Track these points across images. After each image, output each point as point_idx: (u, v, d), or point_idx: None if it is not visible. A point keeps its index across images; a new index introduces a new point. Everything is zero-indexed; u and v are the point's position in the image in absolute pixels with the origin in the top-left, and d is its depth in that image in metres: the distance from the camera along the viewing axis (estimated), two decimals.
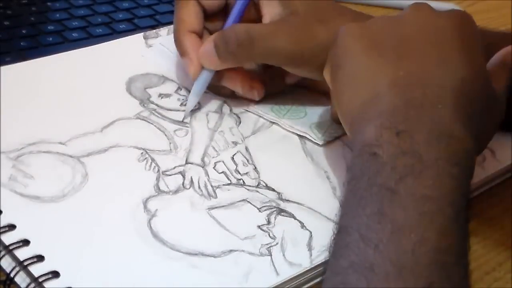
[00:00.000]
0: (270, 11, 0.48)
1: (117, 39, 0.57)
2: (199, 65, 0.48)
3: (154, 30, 0.58)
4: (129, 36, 0.58)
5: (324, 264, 0.40)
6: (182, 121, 0.48)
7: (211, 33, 0.50)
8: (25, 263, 0.36)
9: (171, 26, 0.58)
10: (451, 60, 0.39)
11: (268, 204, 0.43)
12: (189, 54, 0.49)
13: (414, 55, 0.39)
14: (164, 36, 0.57)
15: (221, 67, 0.48)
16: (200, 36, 0.50)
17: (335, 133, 0.49)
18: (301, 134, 0.49)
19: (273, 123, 0.50)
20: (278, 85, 0.51)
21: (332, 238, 0.35)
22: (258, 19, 0.49)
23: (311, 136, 0.48)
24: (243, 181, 0.44)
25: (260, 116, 0.50)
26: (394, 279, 0.31)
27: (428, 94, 0.37)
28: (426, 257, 0.31)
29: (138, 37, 0.57)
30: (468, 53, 0.39)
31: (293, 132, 0.49)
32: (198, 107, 0.50)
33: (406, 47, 0.39)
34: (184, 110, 0.49)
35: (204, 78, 0.49)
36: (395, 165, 0.34)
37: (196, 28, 0.49)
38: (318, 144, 0.48)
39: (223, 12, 0.51)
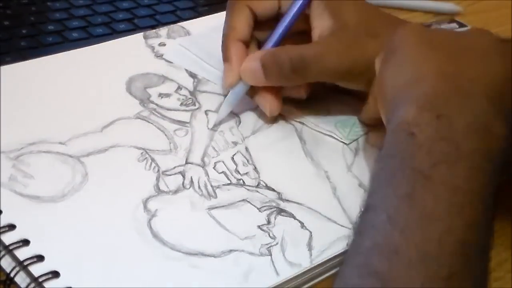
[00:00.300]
0: (321, 24, 0.48)
1: (117, 39, 0.57)
2: (238, 76, 0.48)
3: (154, 30, 0.58)
4: (129, 36, 0.58)
5: (324, 264, 0.40)
6: (212, 128, 0.48)
7: (258, 41, 0.50)
8: (25, 263, 0.36)
9: (171, 26, 0.59)
10: (498, 71, 0.39)
11: (268, 204, 0.43)
12: (232, 63, 0.48)
13: (466, 58, 0.39)
14: (164, 36, 0.57)
15: (265, 84, 0.48)
16: (247, 44, 0.50)
17: (360, 131, 0.49)
18: (327, 133, 0.49)
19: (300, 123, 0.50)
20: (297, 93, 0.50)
21: (359, 215, 0.35)
22: (306, 29, 0.49)
23: (336, 135, 0.49)
24: (243, 181, 0.44)
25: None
26: (417, 265, 0.31)
27: (474, 87, 0.37)
28: (451, 247, 0.32)
29: (138, 37, 0.57)
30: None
31: (318, 131, 0.49)
32: (198, 107, 0.50)
33: (460, 51, 0.40)
34: (184, 110, 0.49)
35: (241, 90, 0.49)
36: (431, 149, 0.34)
37: (246, 37, 0.49)
38: (344, 143, 0.48)
39: (274, 20, 0.50)
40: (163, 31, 0.58)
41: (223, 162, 0.46)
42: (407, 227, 0.32)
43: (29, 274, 0.36)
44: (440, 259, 0.31)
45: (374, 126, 0.48)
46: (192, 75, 0.53)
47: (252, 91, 0.49)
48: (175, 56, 0.54)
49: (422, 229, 0.32)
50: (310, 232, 0.41)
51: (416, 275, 0.31)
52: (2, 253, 0.37)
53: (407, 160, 0.34)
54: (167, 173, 0.44)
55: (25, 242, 0.37)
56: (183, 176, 0.44)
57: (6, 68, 0.50)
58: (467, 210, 0.33)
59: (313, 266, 0.39)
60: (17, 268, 0.36)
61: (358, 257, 0.33)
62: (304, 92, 0.50)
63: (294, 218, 0.42)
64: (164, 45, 0.56)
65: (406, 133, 0.35)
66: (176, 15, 0.65)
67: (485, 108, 0.36)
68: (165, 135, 0.47)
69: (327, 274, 0.40)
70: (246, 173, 0.45)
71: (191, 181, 0.44)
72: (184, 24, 0.59)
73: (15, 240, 0.37)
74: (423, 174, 0.34)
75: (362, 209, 0.35)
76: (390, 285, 0.31)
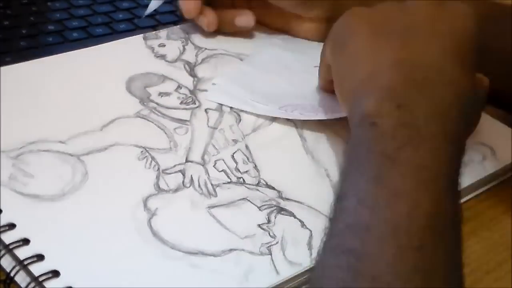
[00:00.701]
0: None
1: (117, 40, 0.57)
2: None
3: (154, 32, 0.58)
4: (129, 37, 0.58)
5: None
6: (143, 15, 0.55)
7: None
8: (25, 262, 0.36)
9: (171, 28, 0.59)
10: (451, 48, 0.40)
11: (268, 203, 0.43)
12: None
13: (417, 41, 0.40)
14: (164, 38, 0.57)
15: None
16: None
17: None
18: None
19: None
20: (229, 25, 0.56)
21: (332, 204, 0.36)
22: None
23: None
24: (243, 179, 0.44)
25: None
26: (388, 239, 0.32)
27: (429, 77, 0.38)
28: (420, 220, 0.33)
29: (138, 38, 0.57)
30: (465, 43, 0.41)
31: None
32: (198, 105, 0.50)
33: (410, 34, 0.41)
34: (184, 108, 0.49)
35: None
36: (394, 135, 0.36)
37: None
38: None
39: None
40: (162, 32, 0.58)
41: (223, 160, 0.46)
42: (376, 205, 0.33)
43: (29, 273, 0.36)
44: (410, 231, 0.32)
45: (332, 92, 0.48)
46: (192, 75, 0.53)
47: None
48: (217, 95, 0.52)
49: (391, 206, 0.33)
50: (310, 231, 0.41)
51: (388, 247, 0.32)
52: (2, 252, 0.37)
53: (372, 146, 0.36)
54: (167, 171, 0.44)
55: (25, 241, 0.37)
56: (183, 175, 0.44)
57: (6, 68, 0.50)
58: (433, 186, 0.34)
59: (313, 265, 0.39)
60: (17, 268, 0.36)
61: (332, 240, 0.34)
62: (251, 20, 0.55)
63: (294, 217, 0.42)
64: (164, 46, 0.56)
65: (369, 124, 0.37)
66: (176, 15, 0.65)
67: (441, 95, 0.38)
68: (165, 133, 0.47)
69: None
70: (246, 172, 0.45)
71: (191, 180, 0.44)
72: (183, 26, 0.59)
73: (15, 239, 0.37)
74: (388, 157, 0.35)
75: (334, 199, 0.36)
76: (363, 259, 0.32)
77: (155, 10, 0.65)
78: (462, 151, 0.38)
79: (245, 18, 0.56)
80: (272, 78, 0.54)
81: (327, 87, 0.49)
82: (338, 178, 0.37)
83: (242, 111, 0.50)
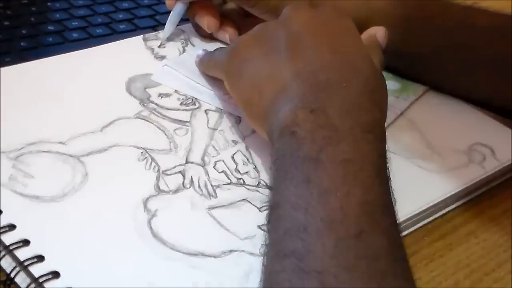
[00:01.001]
0: None
1: (117, 41, 0.57)
2: None
3: (154, 33, 0.58)
4: (129, 38, 0.58)
5: None
6: (161, 41, 0.56)
7: None
8: (25, 263, 0.36)
9: None
10: (340, 47, 0.42)
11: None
12: None
13: (307, 48, 0.41)
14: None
15: None
16: None
17: None
18: None
19: None
20: None
21: (266, 216, 0.37)
22: None
23: None
24: (243, 180, 0.44)
25: None
26: (326, 233, 0.33)
27: (331, 77, 0.39)
28: (354, 210, 0.34)
29: (137, 39, 0.57)
30: (349, 39, 0.43)
31: None
32: (198, 106, 0.50)
33: (298, 43, 0.42)
34: (184, 109, 0.49)
35: (179, 9, 0.56)
36: (314, 138, 0.36)
37: None
38: None
39: None
40: (162, 33, 0.58)
41: (223, 161, 0.46)
42: (309, 206, 0.34)
43: (29, 274, 0.36)
44: (346, 222, 0.33)
45: None
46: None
47: (192, 11, 0.56)
48: (163, 77, 0.53)
49: (323, 203, 0.34)
50: None
51: (327, 241, 0.33)
52: (2, 253, 0.37)
53: (296, 153, 0.37)
54: (167, 172, 0.44)
55: (25, 242, 0.37)
56: (183, 176, 0.44)
57: (6, 69, 0.50)
58: (360, 175, 0.35)
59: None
60: (17, 268, 0.36)
61: (273, 247, 0.34)
62: (228, 37, 0.55)
63: None
64: (164, 47, 0.56)
65: (288, 134, 0.37)
66: None
67: (348, 91, 0.39)
68: (165, 134, 0.47)
69: None
70: (247, 172, 0.45)
71: (191, 181, 0.44)
72: (183, 27, 0.59)
73: (15, 240, 0.37)
74: (312, 159, 0.36)
75: (268, 211, 0.36)
76: (306, 257, 0.32)
77: (155, 11, 0.65)
78: (382, 137, 0.38)
79: None
80: None
81: None
82: (269, 191, 0.38)
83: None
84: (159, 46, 0.56)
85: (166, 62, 0.54)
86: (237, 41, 0.46)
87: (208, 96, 0.51)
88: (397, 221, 0.36)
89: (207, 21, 0.55)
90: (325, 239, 0.33)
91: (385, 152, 0.38)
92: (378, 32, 0.49)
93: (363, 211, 0.34)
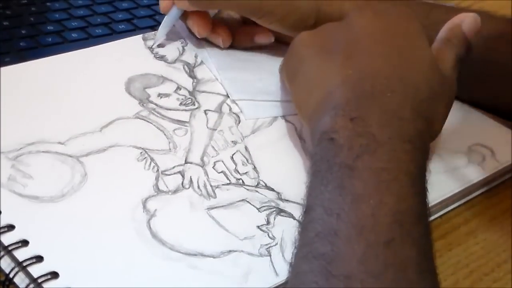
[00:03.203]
0: None
1: (116, 41, 0.57)
2: (171, 2, 0.54)
3: (153, 32, 0.58)
4: (128, 38, 0.57)
5: None
6: (151, 46, 0.55)
7: None
8: (24, 264, 0.36)
9: (171, 28, 0.58)
10: (395, 53, 0.42)
11: (267, 204, 0.43)
12: None
13: (361, 54, 0.42)
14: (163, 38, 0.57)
15: (189, 8, 0.54)
16: None
17: None
18: None
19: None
20: (246, 40, 0.56)
21: (300, 218, 0.37)
22: None
23: None
24: (242, 180, 0.44)
25: None
26: (356, 239, 0.33)
27: (377, 85, 0.40)
28: (385, 218, 0.34)
29: (137, 39, 0.57)
30: (411, 44, 0.43)
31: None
32: (197, 107, 0.50)
33: (353, 48, 0.42)
34: (183, 109, 0.49)
35: (174, 14, 0.55)
36: (351, 145, 0.37)
37: None
38: None
39: None
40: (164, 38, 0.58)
41: (222, 161, 0.46)
42: (342, 211, 0.35)
43: (28, 274, 0.36)
44: (376, 229, 0.34)
45: None
46: (192, 76, 0.53)
47: (185, 16, 0.55)
48: (254, 112, 0.51)
49: (355, 209, 0.34)
50: None
51: (357, 247, 0.33)
52: (1, 253, 0.37)
53: (332, 160, 0.37)
54: (167, 172, 0.44)
55: (24, 243, 0.37)
56: (183, 176, 0.44)
57: (5, 69, 0.50)
58: (394, 185, 0.35)
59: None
60: (16, 269, 0.36)
61: (303, 249, 0.35)
62: (271, 35, 0.55)
63: (294, 218, 0.42)
64: (163, 46, 0.56)
65: (327, 140, 0.38)
66: None
67: (391, 100, 0.39)
68: (165, 134, 0.47)
69: None
70: (246, 173, 0.45)
71: (191, 181, 0.44)
72: (183, 27, 0.59)
73: (14, 241, 0.37)
74: (348, 166, 0.36)
75: (302, 212, 0.37)
76: (335, 261, 0.33)
77: (154, 11, 0.65)
78: (424, 148, 0.39)
79: (264, 36, 0.55)
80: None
81: None
82: (304, 194, 0.38)
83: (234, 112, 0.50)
84: (158, 46, 0.56)
85: (239, 97, 0.52)
86: (297, 39, 0.46)
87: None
88: (429, 232, 0.36)
89: (197, 27, 0.55)
90: (355, 244, 0.33)
91: (425, 163, 0.38)
92: (465, 20, 0.45)
93: (395, 220, 0.34)
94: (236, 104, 0.51)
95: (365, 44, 0.42)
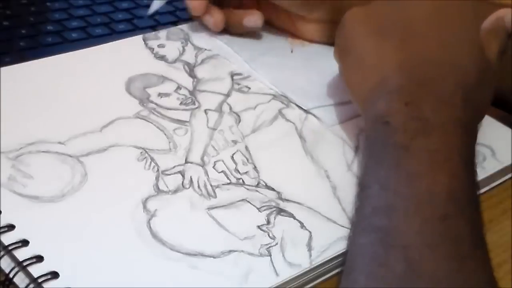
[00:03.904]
0: None
1: (116, 41, 0.57)
2: None
3: (153, 32, 0.58)
4: (129, 38, 0.58)
5: (324, 264, 0.40)
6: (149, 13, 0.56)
7: None
8: (24, 264, 0.36)
9: (171, 28, 0.59)
10: (449, 37, 0.43)
11: (267, 204, 0.43)
12: None
13: (416, 37, 0.43)
14: (163, 38, 0.57)
15: None
16: None
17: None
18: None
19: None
20: (237, 26, 0.56)
21: (355, 195, 0.39)
22: None
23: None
24: (242, 180, 0.44)
25: None
26: (412, 213, 0.35)
27: (430, 73, 0.41)
28: (440, 194, 0.36)
29: (137, 39, 0.57)
30: (463, 28, 0.44)
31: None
32: (197, 106, 0.50)
33: (408, 30, 0.43)
34: (183, 109, 0.49)
35: None
36: (406, 128, 0.38)
37: None
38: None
39: None
40: (162, 33, 0.58)
41: (222, 161, 0.46)
42: (398, 187, 0.36)
43: (28, 274, 0.36)
44: (433, 204, 0.35)
45: None
46: (192, 75, 0.53)
47: None
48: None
49: (411, 186, 0.36)
50: (310, 232, 0.41)
51: (414, 221, 0.35)
52: (1, 253, 0.37)
53: (387, 140, 0.39)
54: (167, 172, 0.44)
55: (25, 243, 0.37)
56: (183, 176, 0.44)
57: (5, 69, 0.50)
58: (448, 164, 0.37)
59: (313, 266, 0.39)
60: (16, 269, 0.36)
61: (361, 222, 0.37)
62: (259, 20, 0.55)
63: (294, 218, 0.42)
64: (164, 46, 0.56)
65: (381, 123, 0.39)
66: (176, 16, 0.65)
67: (444, 88, 0.40)
68: (165, 134, 0.47)
69: (327, 275, 0.40)
70: (246, 173, 0.45)
71: (191, 181, 0.43)
72: (183, 26, 0.59)
73: (15, 241, 0.37)
74: (403, 146, 0.38)
75: (358, 190, 0.39)
76: (393, 233, 0.34)
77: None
78: (473, 133, 0.40)
79: (253, 19, 0.56)
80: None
81: None
82: (359, 173, 0.40)
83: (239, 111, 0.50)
84: (158, 46, 0.56)
85: (314, 105, 0.52)
86: (350, 14, 0.46)
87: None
88: (480, 212, 0.37)
89: (192, 5, 0.55)
90: (412, 218, 0.35)
91: (474, 148, 0.40)
92: (506, 15, 0.47)
93: (449, 197, 0.35)
94: (312, 113, 0.51)
95: (419, 27, 0.43)
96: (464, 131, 0.39)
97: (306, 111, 0.51)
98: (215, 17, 0.56)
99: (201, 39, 0.57)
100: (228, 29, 0.57)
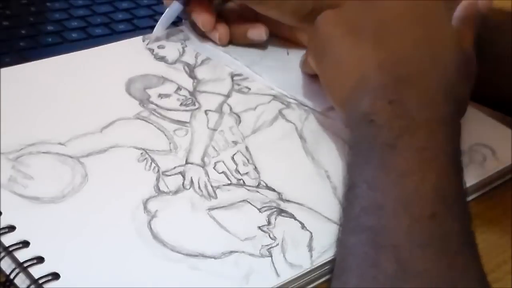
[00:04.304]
0: None
1: (116, 42, 0.57)
2: None
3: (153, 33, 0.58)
4: (129, 39, 0.58)
5: (325, 265, 0.40)
6: (146, 43, 0.56)
7: None
8: (25, 265, 0.36)
9: (171, 29, 0.59)
10: (424, 35, 0.43)
11: (268, 205, 0.43)
12: None
13: (393, 36, 0.43)
14: (163, 39, 0.57)
15: None
16: None
17: None
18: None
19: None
20: (241, 38, 0.57)
21: (343, 195, 0.39)
22: None
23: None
24: (243, 181, 0.44)
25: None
26: (401, 212, 0.35)
27: (411, 70, 0.41)
28: (428, 193, 0.36)
29: (137, 39, 0.57)
30: (437, 25, 0.44)
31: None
32: (198, 107, 0.50)
33: (383, 29, 0.43)
34: (183, 110, 0.49)
35: (174, 8, 0.56)
36: (391, 126, 0.38)
37: None
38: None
39: None
40: (162, 34, 0.58)
41: (223, 162, 0.46)
42: (386, 187, 0.36)
43: (29, 275, 0.36)
44: (421, 203, 0.35)
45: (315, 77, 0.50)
46: (192, 76, 0.53)
47: (190, 9, 0.56)
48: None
49: (399, 185, 0.36)
50: (311, 233, 0.41)
51: (403, 220, 0.35)
52: (2, 254, 0.37)
53: (373, 140, 0.38)
54: (167, 173, 0.44)
55: (25, 244, 0.37)
56: (183, 177, 0.44)
57: (5, 70, 0.50)
58: (435, 163, 0.37)
59: (313, 267, 0.39)
60: (17, 270, 0.36)
61: (349, 223, 0.37)
62: (263, 31, 0.56)
63: (295, 219, 0.42)
64: (164, 47, 0.56)
65: (366, 122, 0.39)
66: (176, 16, 0.65)
67: (426, 85, 0.40)
68: (165, 135, 0.47)
69: (328, 276, 0.40)
70: (247, 173, 0.45)
71: (191, 182, 0.43)
72: (183, 27, 0.59)
73: (15, 242, 0.37)
74: (389, 145, 0.38)
75: (345, 189, 0.38)
76: (382, 233, 0.35)
77: (154, 11, 0.65)
78: (457, 129, 0.40)
79: (257, 32, 0.56)
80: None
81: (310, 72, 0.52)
82: (345, 172, 0.40)
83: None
84: (158, 47, 0.56)
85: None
86: (322, 17, 0.46)
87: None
88: (468, 210, 0.37)
89: (202, 20, 0.55)
90: (401, 217, 0.35)
91: (459, 145, 0.39)
92: None
93: (437, 195, 0.36)
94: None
95: (394, 26, 0.43)
96: (448, 127, 0.39)
97: (307, 111, 0.51)
98: (220, 32, 0.56)
99: (201, 47, 0.57)
100: (232, 42, 0.57)
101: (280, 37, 0.58)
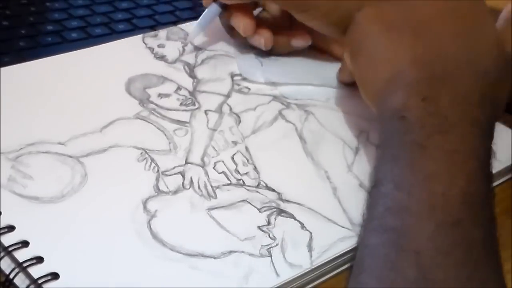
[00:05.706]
0: None
1: (116, 41, 0.57)
2: None
3: (153, 32, 0.58)
4: (128, 38, 0.57)
5: (325, 265, 0.40)
6: (184, 42, 0.56)
7: None
8: (25, 265, 0.36)
9: (170, 28, 0.59)
10: (464, 35, 0.42)
11: (268, 205, 0.43)
12: None
13: (430, 33, 0.42)
14: (163, 38, 0.57)
15: (234, 1, 0.53)
16: None
17: None
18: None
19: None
20: (284, 46, 0.55)
21: (368, 192, 0.38)
22: None
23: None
24: (243, 181, 0.44)
25: None
26: (426, 217, 0.34)
27: (447, 68, 0.40)
28: (455, 199, 0.35)
29: (137, 38, 0.57)
30: (478, 26, 0.43)
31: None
32: (198, 107, 0.50)
33: (422, 27, 0.42)
34: (183, 110, 0.49)
35: (212, 10, 0.54)
36: (423, 124, 0.38)
37: None
38: None
39: None
40: (162, 33, 0.58)
41: (223, 162, 0.46)
42: (412, 188, 0.35)
43: (29, 275, 0.36)
44: (446, 209, 0.34)
45: (353, 85, 0.49)
46: (192, 76, 0.53)
47: (228, 14, 0.54)
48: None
49: (426, 188, 0.35)
50: (310, 233, 0.41)
51: (427, 224, 0.34)
52: (2, 254, 0.37)
53: (404, 137, 0.38)
54: (167, 173, 0.44)
55: (25, 244, 0.37)
56: (183, 176, 0.44)
57: (5, 69, 0.50)
58: (465, 166, 0.36)
59: (313, 267, 0.39)
60: (16, 270, 0.36)
61: (372, 222, 0.36)
62: (308, 39, 0.55)
63: (294, 219, 0.42)
64: (164, 46, 0.56)
65: (398, 118, 0.38)
66: (175, 15, 0.65)
67: (461, 84, 0.39)
68: (165, 135, 0.47)
69: (327, 276, 0.40)
70: (246, 173, 0.45)
71: (191, 182, 0.43)
72: (183, 26, 0.59)
73: (15, 242, 0.37)
74: (419, 145, 0.37)
75: (370, 186, 0.38)
76: (405, 236, 0.34)
77: (154, 11, 0.65)
78: (490, 134, 0.39)
79: (301, 40, 0.55)
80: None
81: (348, 81, 0.52)
82: (373, 167, 0.39)
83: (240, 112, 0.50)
84: (158, 46, 0.56)
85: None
86: (362, 14, 0.45)
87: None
88: (494, 217, 0.37)
89: (243, 25, 0.53)
90: (425, 222, 0.34)
91: (491, 149, 0.39)
92: None
93: (464, 201, 0.35)
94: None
95: (433, 24, 0.42)
96: (481, 131, 0.38)
97: (307, 112, 0.51)
98: (266, 36, 0.54)
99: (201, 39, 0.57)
100: (273, 49, 0.55)
101: (316, 47, 0.57)
